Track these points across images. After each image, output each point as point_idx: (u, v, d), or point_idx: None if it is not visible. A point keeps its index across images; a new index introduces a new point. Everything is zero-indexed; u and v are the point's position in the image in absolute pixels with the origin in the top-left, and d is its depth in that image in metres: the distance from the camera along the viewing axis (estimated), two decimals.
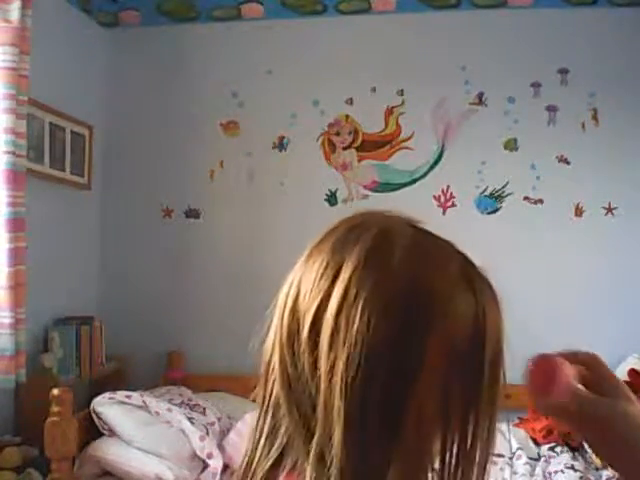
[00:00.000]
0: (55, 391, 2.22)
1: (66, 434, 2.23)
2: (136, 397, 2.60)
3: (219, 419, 2.79)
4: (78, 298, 3.17)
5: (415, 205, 3.21)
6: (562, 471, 2.46)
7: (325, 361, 0.58)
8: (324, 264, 0.62)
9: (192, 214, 3.38)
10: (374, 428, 0.57)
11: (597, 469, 2.51)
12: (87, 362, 2.91)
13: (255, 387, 0.69)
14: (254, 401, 0.70)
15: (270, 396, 0.65)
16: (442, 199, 3.23)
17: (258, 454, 0.64)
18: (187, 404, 2.78)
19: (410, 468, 0.58)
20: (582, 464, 2.55)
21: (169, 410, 2.60)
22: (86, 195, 3.27)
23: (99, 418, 2.50)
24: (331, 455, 0.57)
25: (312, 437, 0.59)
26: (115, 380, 3.03)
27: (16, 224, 2.43)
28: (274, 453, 0.63)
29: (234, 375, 3.23)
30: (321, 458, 0.57)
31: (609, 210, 3.10)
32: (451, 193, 3.22)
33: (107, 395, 2.55)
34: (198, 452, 2.49)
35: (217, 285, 3.33)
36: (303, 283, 0.63)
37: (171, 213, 3.40)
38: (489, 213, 3.20)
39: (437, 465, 0.60)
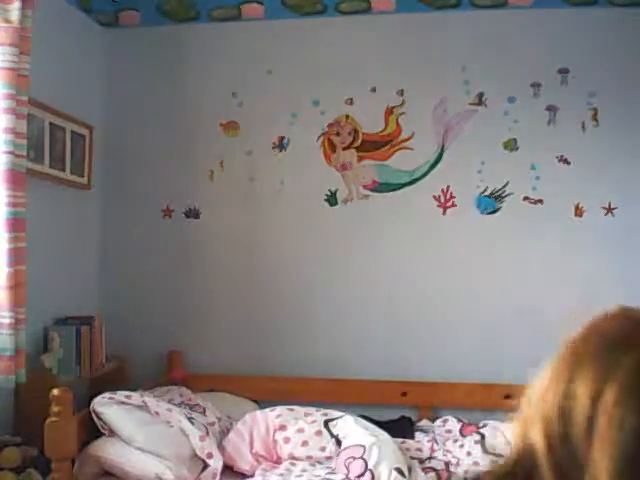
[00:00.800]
0: (55, 391, 2.23)
1: (66, 434, 2.23)
2: (136, 397, 2.60)
3: (219, 419, 2.80)
4: (78, 298, 3.17)
5: (415, 205, 3.25)
6: None
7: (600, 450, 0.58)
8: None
9: (192, 214, 3.38)
10: None
11: None
12: (87, 362, 2.91)
13: None
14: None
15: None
16: (442, 199, 3.23)
17: None
18: (187, 404, 2.78)
19: None
20: None
21: (169, 410, 2.60)
22: (86, 195, 3.27)
23: (99, 418, 2.50)
24: None
25: None
26: (115, 380, 3.03)
27: (16, 224, 2.43)
28: None
29: (234, 375, 3.24)
30: None
31: (609, 210, 3.10)
32: (451, 193, 3.22)
33: (107, 395, 2.54)
34: (198, 452, 2.49)
35: (217, 285, 3.33)
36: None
37: (171, 213, 3.40)
38: (489, 213, 3.20)
39: None
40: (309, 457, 2.56)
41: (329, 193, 3.29)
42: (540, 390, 0.66)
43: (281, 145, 3.33)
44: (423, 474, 2.50)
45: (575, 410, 0.61)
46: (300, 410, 2.74)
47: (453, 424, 2.92)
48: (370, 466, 2.39)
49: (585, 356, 0.66)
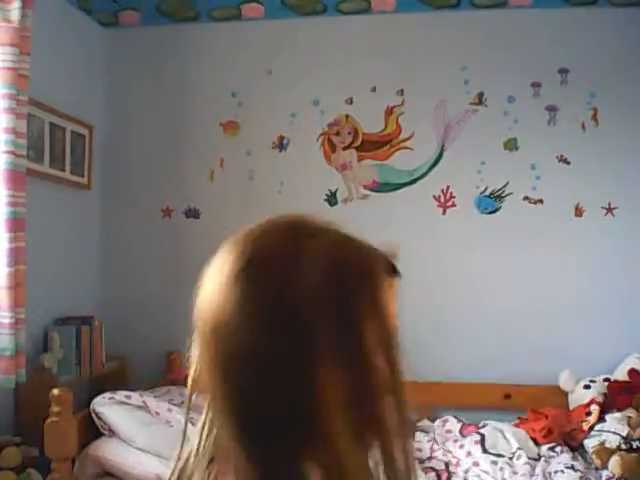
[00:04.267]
0: (55, 391, 2.22)
1: (66, 434, 2.23)
2: (136, 397, 2.60)
3: None
4: (78, 298, 3.17)
5: (415, 205, 3.24)
6: (562, 471, 2.46)
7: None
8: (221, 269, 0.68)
9: (192, 214, 3.38)
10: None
11: (597, 469, 2.52)
12: (87, 362, 2.91)
13: None
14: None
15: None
16: (442, 199, 3.23)
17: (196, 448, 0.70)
18: None
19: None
20: (582, 464, 2.55)
21: (169, 410, 2.60)
22: (86, 195, 3.27)
23: (99, 418, 2.50)
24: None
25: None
26: (115, 380, 3.03)
27: (16, 224, 2.43)
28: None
29: None
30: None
31: (609, 210, 3.10)
32: (451, 193, 3.22)
33: (107, 395, 2.54)
34: None
35: None
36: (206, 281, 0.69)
37: (171, 213, 3.40)
38: (489, 213, 3.20)
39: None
40: None
41: (329, 193, 3.29)
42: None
43: (281, 145, 3.33)
44: (423, 474, 2.50)
45: None
46: None
47: (453, 424, 2.92)
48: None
49: None
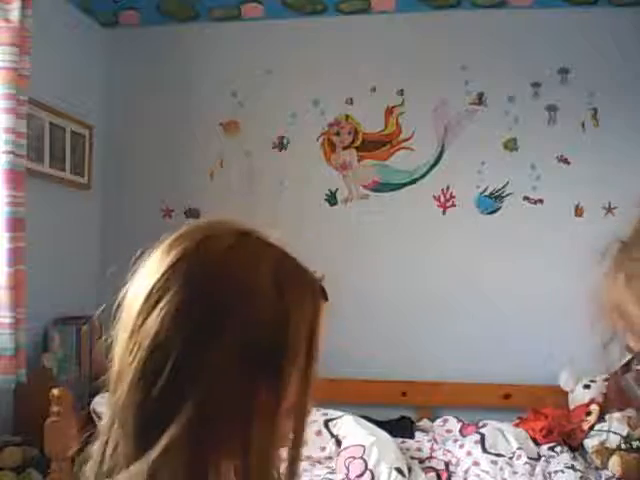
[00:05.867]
0: (55, 391, 2.22)
1: (66, 434, 2.23)
2: None
3: None
4: (78, 298, 3.16)
5: (415, 205, 3.25)
6: (562, 471, 2.46)
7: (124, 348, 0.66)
8: (149, 266, 0.71)
9: (192, 214, 3.38)
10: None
11: (597, 469, 2.52)
12: (87, 362, 2.91)
13: None
14: None
15: None
16: (442, 199, 3.23)
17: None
18: None
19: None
20: (582, 464, 2.56)
21: None
22: (86, 195, 3.27)
23: (99, 418, 2.49)
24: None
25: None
26: None
27: (16, 224, 2.43)
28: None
29: None
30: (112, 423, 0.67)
31: (609, 210, 3.10)
32: (451, 193, 3.22)
33: (107, 395, 2.54)
34: None
35: None
36: (134, 282, 0.72)
37: (171, 213, 3.40)
38: (489, 213, 3.20)
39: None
40: (309, 457, 2.56)
41: (329, 193, 3.29)
42: None
43: (281, 145, 3.33)
44: (423, 474, 2.50)
45: None
46: None
47: (453, 424, 2.92)
48: (370, 466, 2.39)
49: None
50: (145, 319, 0.65)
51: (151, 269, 0.69)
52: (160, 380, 0.62)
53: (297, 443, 0.69)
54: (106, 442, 0.68)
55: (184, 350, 0.62)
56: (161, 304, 0.64)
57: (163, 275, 0.66)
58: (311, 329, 0.69)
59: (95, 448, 0.70)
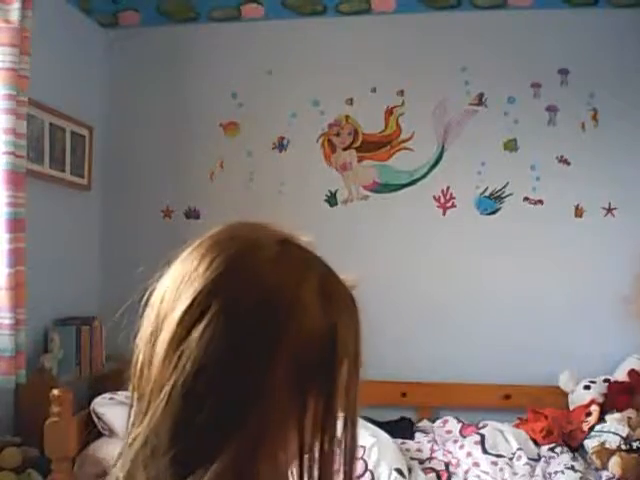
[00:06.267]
0: (55, 391, 2.22)
1: (66, 434, 2.23)
2: None
3: None
4: (78, 298, 3.16)
5: (415, 206, 3.24)
6: (562, 472, 2.46)
7: (161, 365, 0.63)
8: (187, 270, 0.67)
9: (192, 214, 3.38)
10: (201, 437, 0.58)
11: (597, 469, 2.52)
12: (87, 362, 2.91)
13: None
14: None
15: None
16: (442, 200, 3.22)
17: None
18: None
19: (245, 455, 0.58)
20: (582, 465, 2.55)
21: None
22: (86, 196, 3.27)
23: (99, 418, 2.49)
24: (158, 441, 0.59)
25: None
26: (115, 380, 3.01)
27: (16, 224, 2.43)
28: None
29: None
30: (145, 443, 0.60)
31: (609, 210, 3.10)
32: (451, 194, 3.22)
33: (107, 395, 2.54)
34: None
35: None
36: (168, 288, 0.68)
37: (171, 213, 3.40)
38: (489, 214, 3.20)
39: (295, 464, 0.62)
40: None
41: (329, 193, 3.29)
42: None
43: (281, 145, 3.33)
44: (423, 475, 2.50)
45: None
46: None
47: (453, 425, 2.92)
48: (370, 467, 2.39)
49: None
50: (186, 336, 0.60)
51: (189, 278, 0.65)
52: (206, 406, 0.58)
53: (352, 449, 0.67)
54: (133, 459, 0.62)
55: (232, 374, 0.58)
56: (204, 322, 0.59)
57: (204, 288, 0.62)
58: (356, 338, 0.67)
59: (118, 466, 0.63)
